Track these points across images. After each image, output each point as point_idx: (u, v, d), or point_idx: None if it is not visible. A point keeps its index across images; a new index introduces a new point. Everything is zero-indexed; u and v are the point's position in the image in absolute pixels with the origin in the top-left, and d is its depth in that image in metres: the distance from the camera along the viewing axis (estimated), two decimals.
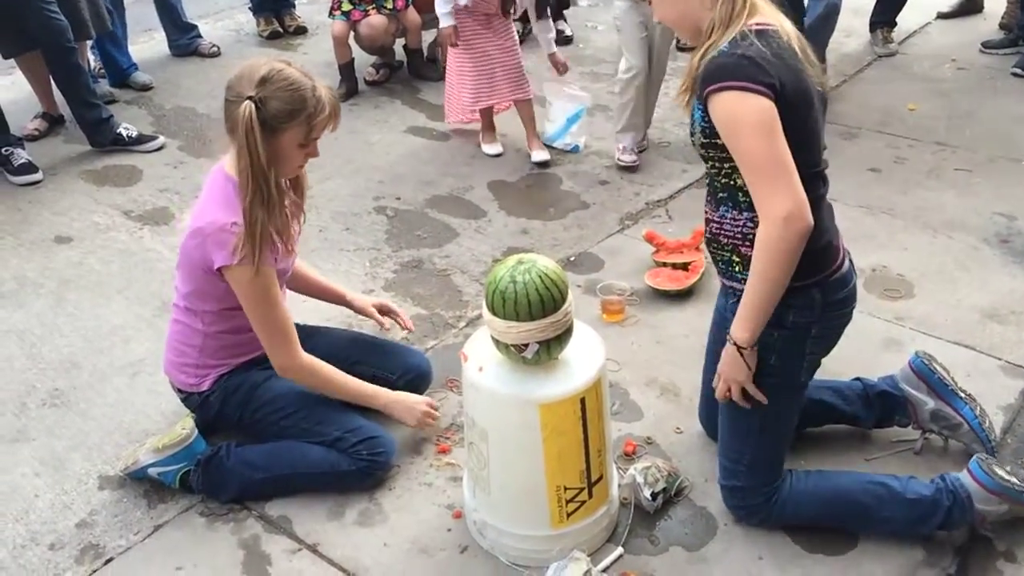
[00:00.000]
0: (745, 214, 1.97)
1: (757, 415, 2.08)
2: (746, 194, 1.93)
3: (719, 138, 1.89)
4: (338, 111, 2.18)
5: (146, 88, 4.98)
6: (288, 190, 2.32)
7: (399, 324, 2.83)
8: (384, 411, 2.39)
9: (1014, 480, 2.07)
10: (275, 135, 2.08)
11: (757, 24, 1.88)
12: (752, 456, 2.12)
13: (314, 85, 2.12)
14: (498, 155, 4.20)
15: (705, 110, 1.89)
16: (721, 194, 2.01)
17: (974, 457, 2.14)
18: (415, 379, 2.58)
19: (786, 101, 1.84)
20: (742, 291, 2.01)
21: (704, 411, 2.43)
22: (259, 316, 2.21)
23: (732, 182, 1.96)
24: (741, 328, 1.95)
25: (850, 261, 2.09)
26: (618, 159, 4.04)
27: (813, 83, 1.92)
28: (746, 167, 1.86)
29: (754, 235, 1.95)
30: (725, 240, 2.04)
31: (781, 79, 1.83)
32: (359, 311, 2.79)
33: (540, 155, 4.13)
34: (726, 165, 1.94)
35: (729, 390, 2.03)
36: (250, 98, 2.03)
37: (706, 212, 2.10)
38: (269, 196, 2.09)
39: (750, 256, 1.96)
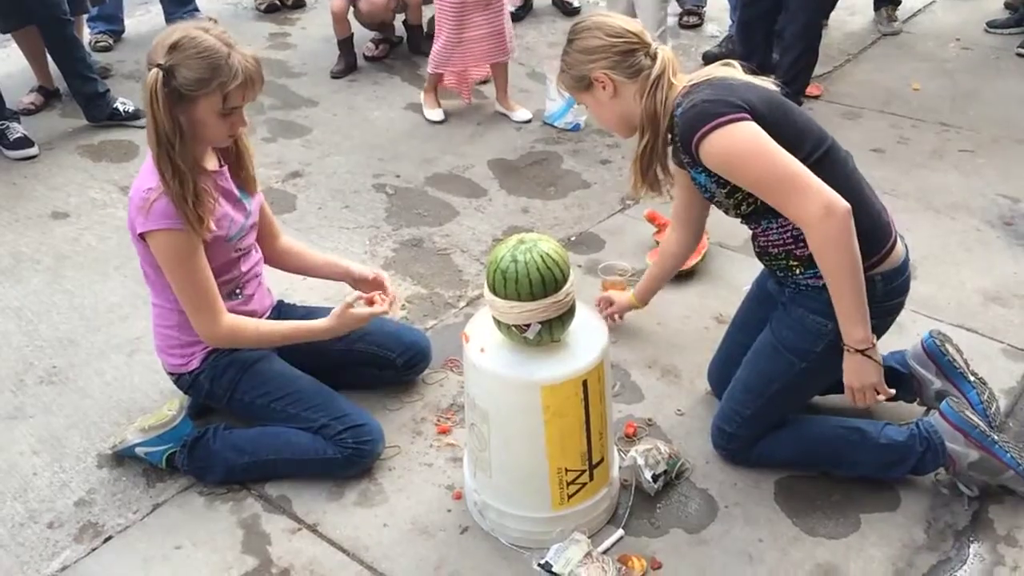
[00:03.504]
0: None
1: (778, 383, 2.14)
2: None
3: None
4: (256, 80, 2.09)
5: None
6: (222, 165, 2.26)
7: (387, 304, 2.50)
8: (341, 332, 2.28)
9: (980, 423, 2.11)
10: (189, 103, 2.04)
11: (690, 83, 1.98)
12: (754, 412, 2.19)
13: (229, 53, 2.04)
14: (440, 122, 4.25)
15: (704, 167, 1.94)
16: (759, 213, 2.03)
17: (946, 398, 2.18)
18: (415, 357, 2.56)
19: (761, 111, 1.90)
20: (805, 286, 2.04)
21: (716, 372, 2.46)
22: (178, 282, 2.15)
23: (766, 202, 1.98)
24: (853, 330, 1.94)
25: (905, 246, 2.11)
26: None
27: (770, 85, 2.00)
28: (763, 189, 1.91)
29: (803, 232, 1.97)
30: (776, 250, 2.07)
31: (744, 97, 1.90)
32: (359, 279, 2.56)
33: (524, 113, 4.23)
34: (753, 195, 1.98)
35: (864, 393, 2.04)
36: (159, 66, 2.00)
37: (751, 230, 2.14)
38: (175, 165, 2.04)
39: (806, 255, 1.98)
